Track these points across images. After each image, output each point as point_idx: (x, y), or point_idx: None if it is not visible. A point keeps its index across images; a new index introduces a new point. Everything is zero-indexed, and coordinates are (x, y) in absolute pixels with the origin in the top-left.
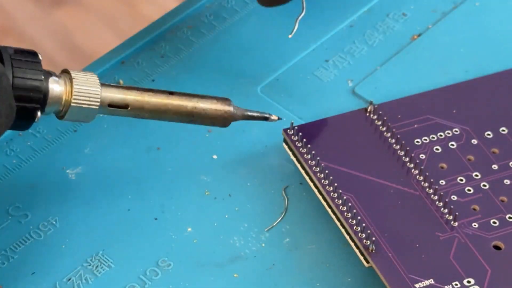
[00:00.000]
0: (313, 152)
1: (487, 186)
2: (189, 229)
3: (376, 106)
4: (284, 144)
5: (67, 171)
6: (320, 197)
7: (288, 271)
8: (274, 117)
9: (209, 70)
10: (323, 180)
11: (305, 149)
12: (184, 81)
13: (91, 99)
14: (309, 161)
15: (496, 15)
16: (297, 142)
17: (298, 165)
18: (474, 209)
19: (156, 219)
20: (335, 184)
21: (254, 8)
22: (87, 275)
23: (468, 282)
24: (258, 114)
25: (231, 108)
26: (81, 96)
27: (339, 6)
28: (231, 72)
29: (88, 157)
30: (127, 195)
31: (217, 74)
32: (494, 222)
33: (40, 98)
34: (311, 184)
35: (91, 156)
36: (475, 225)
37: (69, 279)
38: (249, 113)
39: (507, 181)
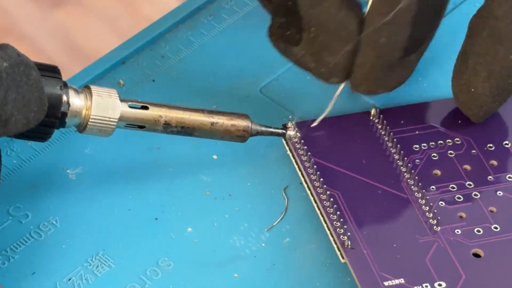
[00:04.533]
0: (305, 147)
1: (478, 196)
2: (189, 229)
3: (380, 110)
4: (282, 139)
5: (68, 171)
6: (308, 192)
7: (288, 271)
8: (289, 132)
9: (209, 70)
10: (311, 175)
11: (299, 145)
12: (184, 81)
13: (109, 119)
14: (302, 156)
15: None
16: (293, 138)
17: (293, 160)
18: (461, 217)
19: (156, 219)
20: (321, 180)
21: (254, 8)
22: (87, 275)
23: (439, 285)
24: (275, 130)
25: (248, 124)
26: (101, 107)
27: None
28: (231, 72)
29: (88, 157)
30: (127, 195)
31: (217, 74)
32: (478, 231)
33: (59, 109)
34: (302, 180)
35: (92, 156)
36: (458, 231)
37: (70, 279)
38: (266, 129)
39: (500, 193)
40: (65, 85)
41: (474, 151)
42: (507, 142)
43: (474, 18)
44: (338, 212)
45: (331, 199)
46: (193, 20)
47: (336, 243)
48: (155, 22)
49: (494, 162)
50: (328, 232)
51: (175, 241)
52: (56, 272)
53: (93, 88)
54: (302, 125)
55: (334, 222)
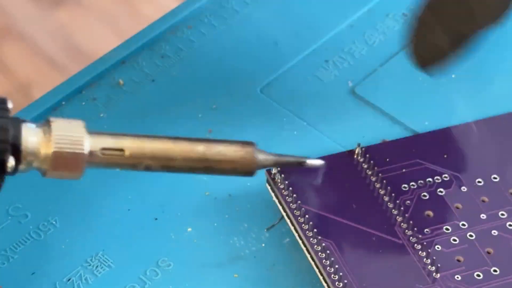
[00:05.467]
0: (295, 195)
1: (474, 237)
2: (189, 229)
3: (363, 148)
4: (266, 184)
5: None
6: (300, 241)
7: (288, 271)
8: (311, 161)
9: (209, 70)
10: (303, 225)
11: (286, 192)
12: (184, 81)
13: (75, 145)
14: (290, 204)
15: None
16: (279, 184)
17: (280, 207)
18: (458, 260)
19: (156, 219)
20: (315, 230)
21: (254, 8)
22: (87, 275)
23: None
24: (292, 160)
25: (251, 155)
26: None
27: (339, 6)
28: (231, 72)
29: None
30: (127, 195)
31: (217, 74)
32: (478, 275)
33: (7, 146)
34: (292, 228)
35: None
36: (458, 277)
37: (69, 279)
38: (280, 159)
39: (494, 232)
40: (14, 120)
41: (463, 188)
42: (495, 176)
43: None
44: (337, 266)
45: (328, 251)
46: (193, 20)
47: None
48: (155, 22)
49: (485, 199)
50: (325, 285)
51: (175, 241)
52: (55, 272)
53: (54, 128)
54: (287, 171)
55: (332, 276)
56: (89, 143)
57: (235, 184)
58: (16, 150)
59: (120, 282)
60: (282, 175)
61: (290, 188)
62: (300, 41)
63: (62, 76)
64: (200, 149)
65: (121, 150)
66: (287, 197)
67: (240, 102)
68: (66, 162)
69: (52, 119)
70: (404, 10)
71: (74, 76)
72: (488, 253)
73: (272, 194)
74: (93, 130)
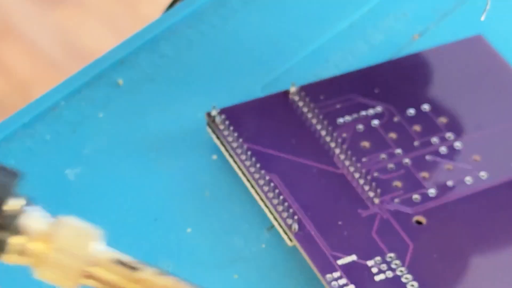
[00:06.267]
0: (236, 134)
1: (409, 163)
2: (189, 230)
3: (298, 87)
4: (207, 127)
5: (66, 171)
6: (244, 179)
7: (289, 271)
8: None
9: (209, 70)
10: (246, 162)
11: (227, 132)
12: (184, 81)
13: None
14: (232, 143)
15: (496, 15)
16: (220, 125)
17: (222, 148)
18: (396, 186)
19: (156, 219)
20: (258, 165)
21: (254, 7)
22: None
23: (390, 257)
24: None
25: None
26: None
27: (339, 6)
28: (231, 72)
29: (87, 157)
30: (127, 195)
31: (217, 74)
32: (416, 198)
33: None
34: (235, 167)
35: (90, 157)
36: (397, 201)
37: None
38: None
39: (428, 157)
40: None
41: (396, 118)
42: (425, 106)
43: None
44: (281, 197)
45: (271, 184)
46: (193, 20)
47: (282, 227)
48: (155, 22)
49: (417, 128)
50: (271, 216)
51: (175, 242)
52: None
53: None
54: (227, 111)
55: (277, 207)
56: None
57: (235, 184)
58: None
59: None
60: (222, 116)
61: (231, 128)
62: (300, 40)
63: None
64: None
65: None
66: (228, 137)
67: (240, 101)
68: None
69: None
70: (404, 10)
71: (73, 75)
72: (424, 177)
73: (213, 136)
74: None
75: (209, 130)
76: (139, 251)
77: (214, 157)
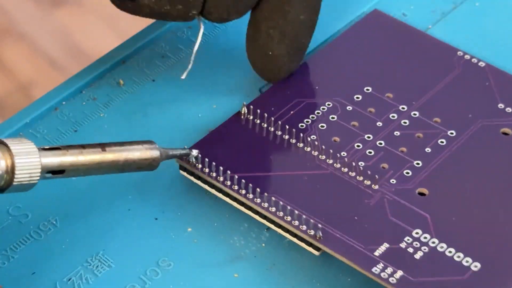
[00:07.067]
0: (221, 168)
1: (383, 143)
2: (189, 229)
3: (248, 105)
4: (181, 171)
5: None
6: (242, 208)
7: (288, 271)
8: (194, 152)
9: (209, 70)
10: (240, 190)
11: (207, 169)
12: (184, 81)
13: (32, 173)
14: (218, 177)
15: (496, 15)
16: (197, 164)
17: (206, 186)
18: (384, 167)
19: (156, 219)
20: (257, 190)
21: None
22: (87, 275)
23: (417, 233)
24: (181, 152)
25: (157, 154)
26: (23, 171)
27: (339, 6)
28: (231, 72)
29: None
30: (127, 195)
31: (217, 74)
32: (407, 172)
33: None
34: (228, 200)
35: None
36: (393, 181)
37: (69, 279)
38: (172, 153)
39: (397, 133)
40: None
41: (348, 107)
42: (367, 88)
43: None
44: (296, 212)
45: (280, 203)
46: (193, 20)
47: (304, 240)
48: (155, 22)
49: (372, 109)
50: (287, 235)
51: (175, 241)
52: (56, 272)
53: (11, 146)
54: (200, 147)
55: (293, 222)
56: (38, 177)
57: None
58: None
59: (120, 282)
60: (199, 155)
61: (213, 163)
62: None
63: (62, 76)
64: (120, 160)
65: (62, 171)
66: (211, 173)
67: (240, 102)
68: (19, 188)
69: (10, 145)
70: (404, 10)
71: (74, 76)
72: (402, 151)
73: (192, 178)
74: (40, 147)
75: (184, 174)
76: (139, 251)
77: (200, 183)
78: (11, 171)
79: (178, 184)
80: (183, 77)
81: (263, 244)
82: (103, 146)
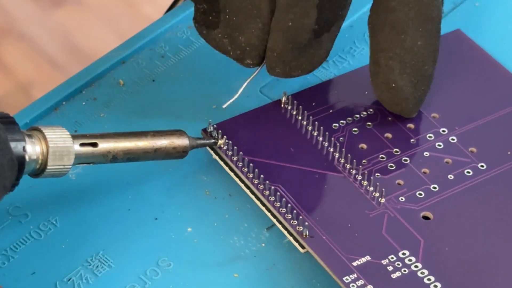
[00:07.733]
0: (235, 147)
1: (408, 161)
2: (189, 229)
3: (289, 96)
4: (208, 147)
5: None
6: (247, 191)
7: (288, 271)
8: (220, 142)
9: (209, 70)
10: (248, 174)
11: (226, 146)
12: (184, 81)
13: (65, 159)
14: (232, 157)
15: (496, 15)
16: (223, 145)
17: (222, 163)
18: (399, 184)
19: (156, 219)
20: (261, 176)
21: None
22: (87, 275)
23: (403, 254)
24: (208, 141)
25: (187, 143)
26: (57, 155)
27: None
28: (231, 72)
29: None
30: (127, 195)
31: (217, 74)
32: (420, 194)
33: (24, 165)
34: (237, 180)
35: None
36: (402, 199)
37: (69, 279)
38: (200, 142)
39: (426, 153)
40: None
41: (389, 118)
42: None
43: (371, 17)
44: (289, 205)
45: (277, 193)
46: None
47: (292, 235)
48: (155, 22)
49: (411, 126)
50: (280, 226)
51: (175, 241)
52: (56, 272)
53: (46, 132)
54: (223, 125)
55: (286, 215)
56: (72, 162)
57: (235, 184)
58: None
59: (120, 282)
60: (219, 131)
61: (229, 142)
62: None
63: (62, 76)
64: (152, 148)
65: (95, 144)
66: (227, 151)
67: (241, 102)
68: (53, 175)
69: (45, 132)
70: None
71: (74, 76)
72: (424, 173)
73: (212, 153)
74: (74, 135)
75: (209, 149)
76: (139, 251)
77: (214, 156)
78: (46, 156)
79: (178, 184)
80: (224, 106)
81: (263, 244)
82: (136, 134)
